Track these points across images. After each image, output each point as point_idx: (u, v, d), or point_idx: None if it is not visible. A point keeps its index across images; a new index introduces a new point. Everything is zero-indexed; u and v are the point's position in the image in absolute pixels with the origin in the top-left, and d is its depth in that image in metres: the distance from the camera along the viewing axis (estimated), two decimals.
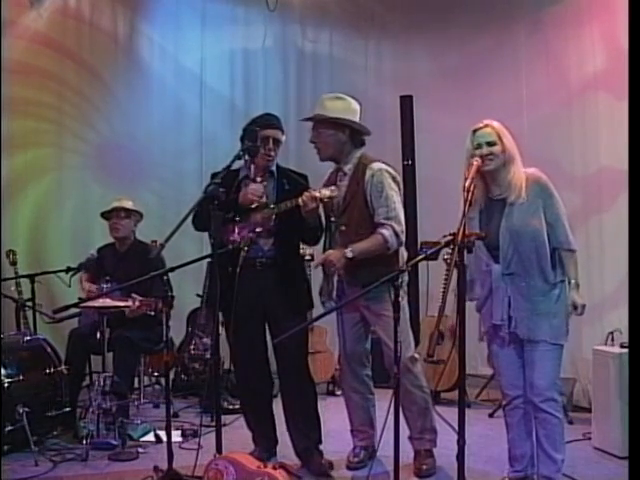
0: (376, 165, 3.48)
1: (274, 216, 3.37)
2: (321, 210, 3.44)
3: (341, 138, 3.50)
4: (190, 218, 3.15)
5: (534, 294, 3.00)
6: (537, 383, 3.03)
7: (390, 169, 3.53)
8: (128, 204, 4.55)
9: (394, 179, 3.51)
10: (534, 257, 2.98)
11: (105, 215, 4.55)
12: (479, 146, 3.02)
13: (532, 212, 2.99)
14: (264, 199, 3.39)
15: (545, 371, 3.01)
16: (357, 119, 3.54)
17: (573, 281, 3.01)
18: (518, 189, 2.99)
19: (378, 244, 3.37)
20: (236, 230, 3.41)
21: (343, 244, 3.44)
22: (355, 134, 3.53)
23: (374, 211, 3.42)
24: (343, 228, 3.48)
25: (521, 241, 2.99)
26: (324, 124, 3.50)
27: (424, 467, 3.52)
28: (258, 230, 3.38)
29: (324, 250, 3.62)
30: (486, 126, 3.06)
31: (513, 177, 3.00)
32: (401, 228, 3.42)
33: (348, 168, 3.53)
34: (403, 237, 3.44)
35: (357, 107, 3.56)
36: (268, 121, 3.49)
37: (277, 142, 3.46)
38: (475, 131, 3.07)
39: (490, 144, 3.01)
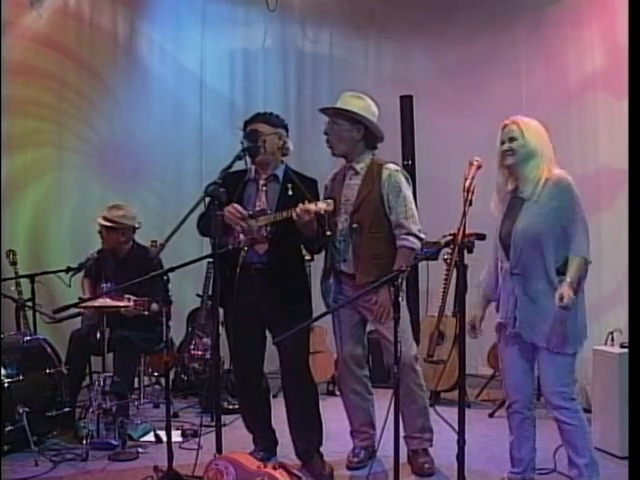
0: (392, 166, 3.54)
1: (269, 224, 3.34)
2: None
3: (355, 136, 3.52)
4: (190, 219, 3.14)
5: (538, 297, 2.96)
6: (544, 390, 3.03)
7: (403, 170, 3.60)
8: (117, 214, 4.43)
9: (407, 180, 3.56)
10: (539, 259, 2.94)
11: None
12: (503, 142, 3.03)
13: (543, 213, 2.94)
14: (245, 224, 3.33)
15: (549, 378, 3.00)
16: (375, 121, 3.56)
17: (569, 279, 2.87)
18: (533, 185, 2.96)
19: (408, 256, 3.42)
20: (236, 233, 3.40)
21: (356, 242, 3.47)
22: (369, 135, 3.55)
23: (391, 210, 3.47)
24: (355, 226, 3.48)
25: (528, 241, 2.96)
26: (341, 118, 3.51)
27: (426, 466, 3.54)
28: (246, 238, 3.36)
29: (326, 254, 3.63)
30: (512, 123, 3.03)
31: (530, 173, 2.97)
32: (419, 227, 3.48)
33: (360, 167, 3.55)
34: (422, 235, 3.49)
35: (376, 111, 3.59)
36: (252, 117, 3.48)
37: (258, 134, 3.38)
38: (503, 128, 3.06)
39: (512, 139, 3.00)
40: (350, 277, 3.52)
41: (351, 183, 3.55)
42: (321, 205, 3.14)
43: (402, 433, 3.51)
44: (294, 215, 3.16)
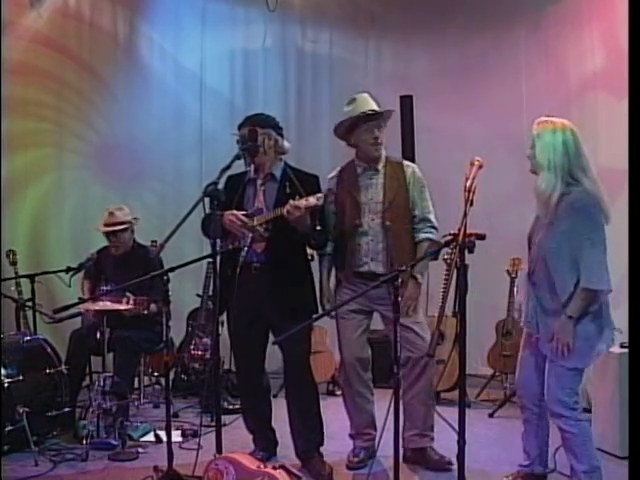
0: (410, 163, 3.72)
1: (264, 223, 3.34)
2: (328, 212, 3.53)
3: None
4: (190, 219, 3.12)
5: (548, 308, 2.96)
6: (545, 397, 3.04)
7: None
8: (120, 215, 4.46)
9: None
10: (546, 276, 2.93)
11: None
12: None
13: (554, 233, 2.89)
14: (244, 230, 3.35)
15: (550, 386, 3.00)
16: None
17: (568, 313, 2.84)
18: (543, 202, 2.88)
19: (429, 248, 3.55)
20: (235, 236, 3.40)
21: (391, 239, 3.53)
22: None
23: (415, 205, 3.61)
24: (388, 223, 3.55)
25: (539, 257, 2.96)
26: (384, 120, 3.62)
27: (445, 459, 3.56)
28: (245, 239, 3.36)
29: (337, 258, 3.66)
30: (536, 125, 2.96)
31: (537, 189, 2.90)
32: (436, 221, 3.65)
33: (381, 166, 3.63)
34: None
35: None
36: (242, 121, 3.48)
37: (248, 137, 3.36)
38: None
39: (531, 146, 2.97)
40: (376, 277, 3.46)
41: (373, 182, 3.61)
42: (311, 200, 3.15)
43: (411, 432, 3.61)
44: (284, 212, 3.17)
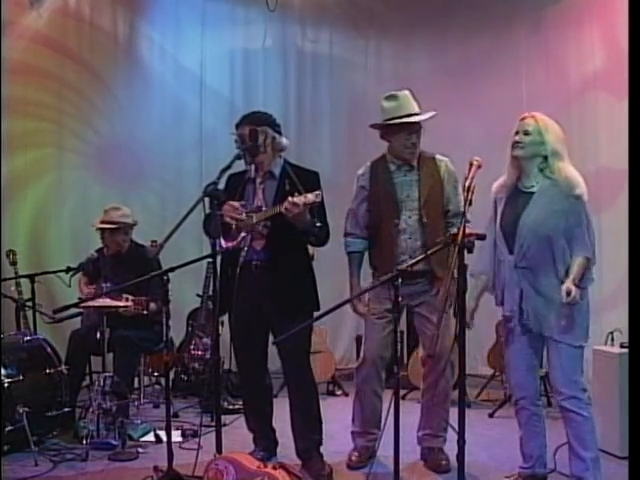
0: (443, 157, 3.66)
1: (263, 220, 3.34)
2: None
3: None
4: (190, 219, 3.12)
5: (547, 290, 2.99)
6: (555, 382, 3.06)
7: None
8: (114, 216, 4.46)
9: None
10: (549, 256, 2.98)
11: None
12: (517, 133, 3.07)
13: (554, 211, 2.99)
14: (243, 216, 3.35)
15: (561, 369, 3.02)
16: None
17: (572, 276, 2.93)
18: (569, 181, 3.00)
19: None
20: (235, 236, 3.41)
21: (429, 236, 3.48)
22: None
23: (449, 200, 3.58)
24: (426, 220, 3.52)
25: (537, 237, 2.99)
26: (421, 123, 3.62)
27: (443, 462, 3.57)
28: (242, 236, 3.37)
29: (375, 259, 3.64)
30: (532, 117, 3.07)
31: (561, 171, 3.02)
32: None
33: (415, 162, 3.60)
34: None
35: None
36: (240, 120, 3.47)
37: (248, 137, 3.37)
38: (522, 119, 3.10)
39: (526, 133, 3.04)
40: (414, 274, 3.41)
41: (408, 179, 3.58)
42: (310, 197, 3.14)
43: (425, 431, 3.65)
44: (282, 209, 3.17)
